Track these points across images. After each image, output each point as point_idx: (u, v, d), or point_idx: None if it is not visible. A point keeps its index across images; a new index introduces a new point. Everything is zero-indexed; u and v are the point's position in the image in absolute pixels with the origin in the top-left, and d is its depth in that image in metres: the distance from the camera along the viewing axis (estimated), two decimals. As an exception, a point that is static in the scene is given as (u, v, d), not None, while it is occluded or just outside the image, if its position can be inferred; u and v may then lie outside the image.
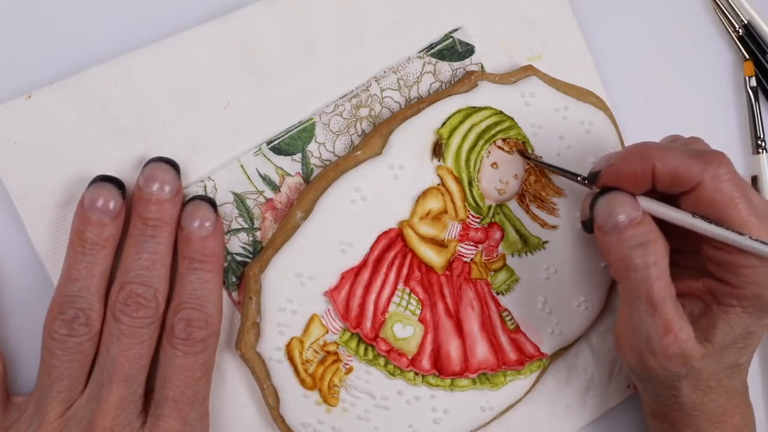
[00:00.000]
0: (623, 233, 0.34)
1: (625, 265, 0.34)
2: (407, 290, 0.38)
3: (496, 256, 0.39)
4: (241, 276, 0.36)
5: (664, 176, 0.34)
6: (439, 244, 0.38)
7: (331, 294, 0.36)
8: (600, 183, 0.35)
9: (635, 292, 0.34)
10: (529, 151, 0.39)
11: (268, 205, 0.37)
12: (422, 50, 0.39)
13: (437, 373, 0.38)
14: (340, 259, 0.37)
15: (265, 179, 0.37)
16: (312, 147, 0.37)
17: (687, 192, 0.34)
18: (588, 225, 0.36)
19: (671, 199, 0.35)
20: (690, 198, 0.34)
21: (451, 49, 0.39)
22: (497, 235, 0.39)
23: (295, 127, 0.37)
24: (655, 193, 0.35)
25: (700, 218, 0.34)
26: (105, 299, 0.33)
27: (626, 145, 0.42)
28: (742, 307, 0.34)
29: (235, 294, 0.37)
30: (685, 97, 0.45)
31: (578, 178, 0.37)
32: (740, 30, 0.45)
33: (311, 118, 0.37)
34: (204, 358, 0.33)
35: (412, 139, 0.37)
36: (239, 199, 0.36)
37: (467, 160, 0.38)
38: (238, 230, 0.36)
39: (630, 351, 0.35)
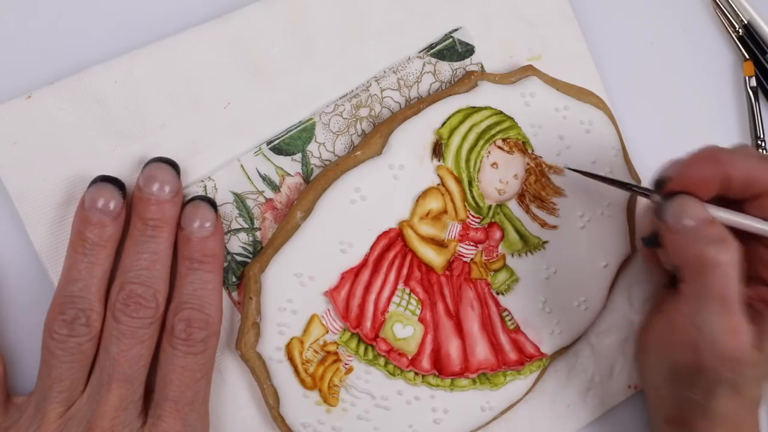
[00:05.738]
0: (700, 231, 0.33)
1: (702, 261, 0.33)
2: (407, 290, 0.38)
3: (496, 256, 0.39)
4: (241, 276, 0.36)
5: (738, 181, 0.33)
6: (439, 244, 0.38)
7: (331, 294, 0.36)
8: (668, 188, 0.35)
9: (709, 288, 0.33)
10: (530, 150, 0.39)
11: (268, 205, 0.37)
12: (422, 50, 0.39)
13: (437, 373, 0.38)
14: (340, 259, 0.37)
15: (265, 179, 0.37)
16: (312, 147, 0.37)
17: (756, 197, 0.34)
18: (649, 240, 0.35)
19: (731, 204, 0.34)
20: (759, 203, 0.34)
21: (451, 49, 0.39)
22: (497, 235, 0.39)
23: (295, 127, 0.37)
24: (714, 200, 0.34)
25: None
26: (105, 299, 0.33)
27: (626, 145, 0.42)
28: None
29: (235, 294, 0.37)
30: (685, 97, 0.45)
31: (633, 188, 0.36)
32: (740, 30, 0.45)
33: (311, 118, 0.37)
34: (204, 359, 0.33)
35: (412, 139, 0.37)
36: (239, 199, 0.36)
37: (467, 160, 0.38)
38: (238, 230, 0.36)
39: (685, 348, 0.34)
